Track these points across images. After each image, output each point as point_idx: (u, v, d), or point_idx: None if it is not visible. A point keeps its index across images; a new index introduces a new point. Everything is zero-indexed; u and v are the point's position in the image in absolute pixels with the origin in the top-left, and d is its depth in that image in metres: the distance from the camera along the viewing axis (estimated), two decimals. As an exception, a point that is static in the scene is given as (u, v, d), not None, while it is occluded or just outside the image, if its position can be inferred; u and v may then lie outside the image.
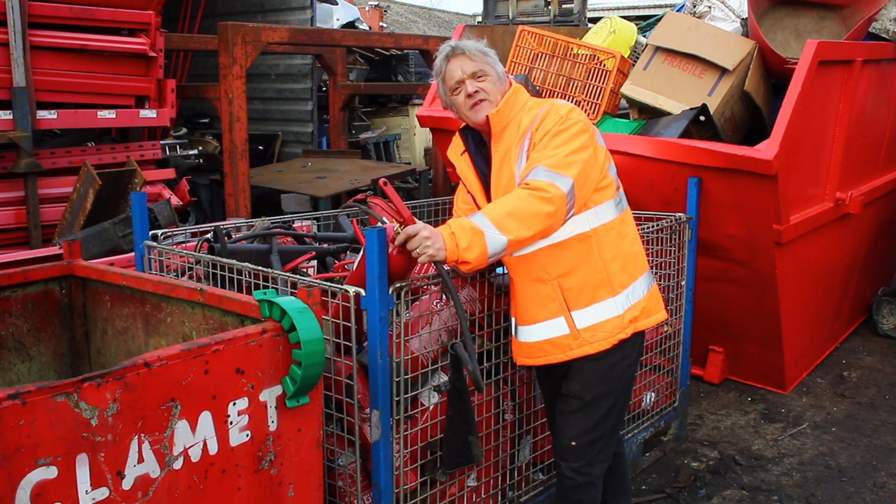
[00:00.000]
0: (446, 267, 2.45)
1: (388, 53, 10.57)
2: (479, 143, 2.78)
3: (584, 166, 2.50)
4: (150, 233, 3.29)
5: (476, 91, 2.63)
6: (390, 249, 2.47)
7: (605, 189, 2.62)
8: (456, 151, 2.86)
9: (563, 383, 2.73)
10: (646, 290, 2.72)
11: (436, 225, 2.57)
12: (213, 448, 1.98)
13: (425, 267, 3.07)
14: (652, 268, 3.75)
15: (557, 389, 2.78)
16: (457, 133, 2.85)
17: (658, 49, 4.75)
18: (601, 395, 2.68)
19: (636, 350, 2.73)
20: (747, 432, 4.45)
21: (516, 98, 2.67)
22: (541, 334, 2.65)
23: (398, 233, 2.39)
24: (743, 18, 5.15)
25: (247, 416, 2.05)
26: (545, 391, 2.98)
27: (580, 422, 2.70)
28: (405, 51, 10.01)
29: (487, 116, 2.63)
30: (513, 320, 2.77)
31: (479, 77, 2.63)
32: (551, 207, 2.41)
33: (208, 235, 3.23)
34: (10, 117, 5.26)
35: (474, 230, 2.35)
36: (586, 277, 2.59)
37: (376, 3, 20.60)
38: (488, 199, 2.73)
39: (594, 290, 2.60)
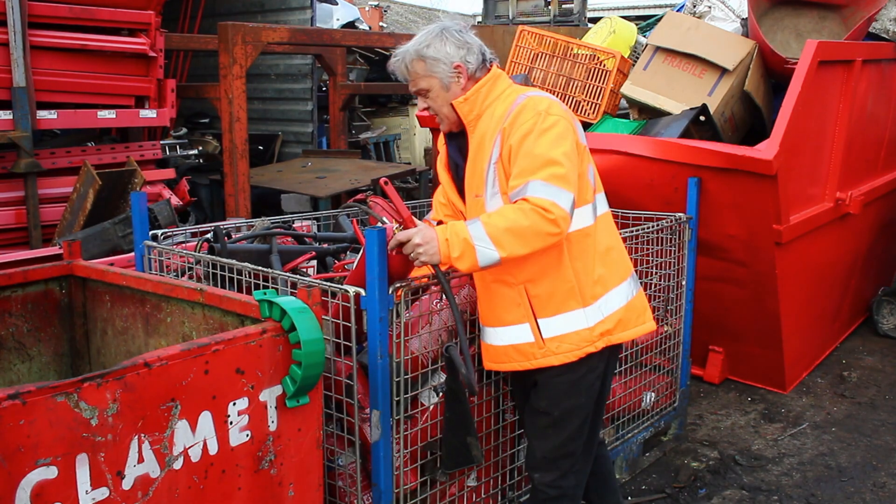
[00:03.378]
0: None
1: (388, 53, 10.54)
2: (460, 133, 2.67)
3: (576, 176, 2.39)
4: (150, 233, 3.29)
5: (425, 109, 2.61)
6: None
7: (581, 193, 2.44)
8: (442, 139, 2.83)
9: (532, 396, 2.63)
10: (623, 302, 2.56)
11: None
12: (213, 448, 1.98)
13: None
14: (652, 269, 3.77)
15: (528, 398, 2.69)
16: None
17: (658, 49, 4.75)
18: (569, 410, 2.56)
19: (604, 362, 2.57)
20: (747, 432, 4.45)
21: (492, 87, 2.52)
22: (505, 338, 2.55)
23: (398, 233, 2.40)
24: (743, 18, 5.15)
25: (247, 416, 2.05)
26: (517, 399, 2.87)
27: (551, 437, 2.59)
28: (405, 51, 9.98)
29: (453, 106, 2.54)
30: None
31: (422, 94, 2.58)
32: (556, 229, 2.29)
33: (208, 235, 3.23)
34: (10, 117, 5.26)
35: (467, 242, 2.29)
36: (555, 285, 2.45)
37: (376, 3, 20.60)
38: (457, 189, 2.69)
39: (563, 300, 2.46)
